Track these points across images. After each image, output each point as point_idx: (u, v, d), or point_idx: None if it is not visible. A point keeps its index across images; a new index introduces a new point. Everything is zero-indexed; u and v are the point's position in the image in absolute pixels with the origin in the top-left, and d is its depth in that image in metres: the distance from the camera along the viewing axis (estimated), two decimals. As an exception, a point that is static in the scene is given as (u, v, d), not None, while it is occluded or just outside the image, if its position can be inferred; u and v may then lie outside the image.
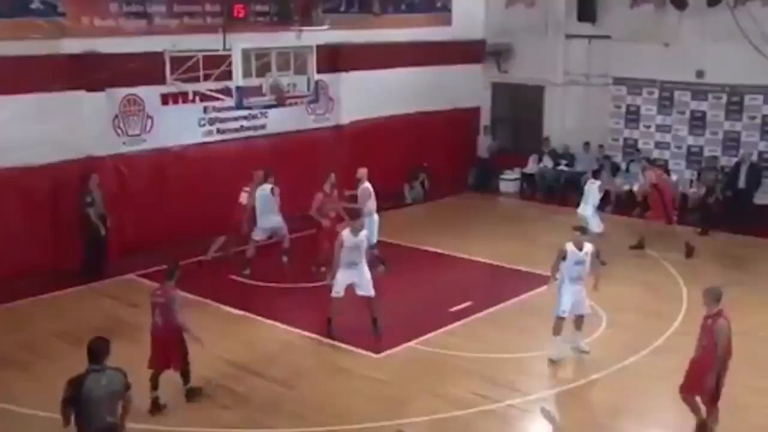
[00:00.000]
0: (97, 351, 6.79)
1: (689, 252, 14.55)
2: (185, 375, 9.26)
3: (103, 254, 13.39)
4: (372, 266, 11.70)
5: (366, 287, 10.96)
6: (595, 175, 14.87)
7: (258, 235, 13.47)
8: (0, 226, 12.53)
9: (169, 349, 9.02)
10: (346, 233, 10.94)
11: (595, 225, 13.69)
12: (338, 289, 10.93)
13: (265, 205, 13.33)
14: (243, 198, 13.55)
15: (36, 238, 12.97)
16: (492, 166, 19.87)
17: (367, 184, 13.38)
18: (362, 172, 13.51)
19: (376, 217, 13.35)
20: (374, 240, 13.07)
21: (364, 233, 11.06)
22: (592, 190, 14.24)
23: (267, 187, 13.34)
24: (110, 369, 6.79)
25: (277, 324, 11.60)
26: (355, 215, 12.27)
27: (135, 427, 8.68)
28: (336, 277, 10.93)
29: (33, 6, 12.70)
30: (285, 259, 13.49)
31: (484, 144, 20.20)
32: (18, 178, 12.80)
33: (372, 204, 13.28)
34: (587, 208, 14.11)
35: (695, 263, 14.30)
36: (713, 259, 14.71)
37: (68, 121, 13.18)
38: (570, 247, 10.23)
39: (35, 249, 12.93)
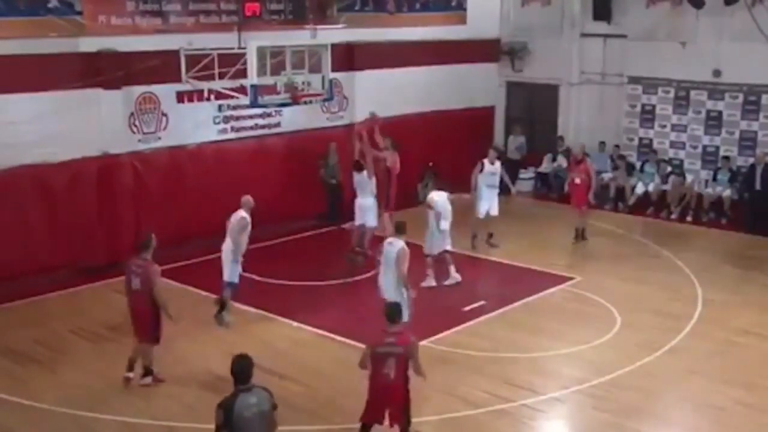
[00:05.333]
0: (244, 370, 6.38)
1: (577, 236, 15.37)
2: None
3: (340, 205, 15.74)
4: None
5: (495, 207, 14.73)
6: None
7: None
8: (17, 222, 12.60)
9: None
10: (486, 163, 14.68)
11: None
12: (482, 211, 14.61)
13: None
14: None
15: (54, 233, 13.02)
16: (523, 166, 19.70)
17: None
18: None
19: None
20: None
21: (498, 164, 14.66)
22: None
23: None
24: (257, 387, 6.39)
25: (292, 322, 11.64)
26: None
27: (153, 423, 8.80)
28: (478, 203, 14.53)
29: (50, 5, 12.78)
30: None
31: (513, 144, 19.85)
32: (37, 175, 12.85)
33: None
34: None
35: (711, 263, 14.23)
36: (729, 260, 14.64)
37: (85, 118, 13.24)
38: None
39: (53, 244, 12.99)
